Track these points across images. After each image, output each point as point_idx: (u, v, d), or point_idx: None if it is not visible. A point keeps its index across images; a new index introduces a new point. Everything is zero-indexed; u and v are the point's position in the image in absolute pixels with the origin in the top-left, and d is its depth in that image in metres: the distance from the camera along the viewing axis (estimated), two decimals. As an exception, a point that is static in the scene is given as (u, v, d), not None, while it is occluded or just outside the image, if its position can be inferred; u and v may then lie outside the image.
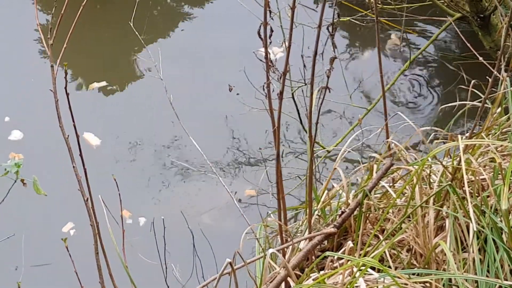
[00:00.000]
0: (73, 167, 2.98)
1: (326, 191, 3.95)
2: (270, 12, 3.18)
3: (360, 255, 3.36)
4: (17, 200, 3.34)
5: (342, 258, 3.43)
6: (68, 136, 2.96)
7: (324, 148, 5.08)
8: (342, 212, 3.59)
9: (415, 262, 3.44)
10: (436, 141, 3.83)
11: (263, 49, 3.18)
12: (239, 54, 5.86)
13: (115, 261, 3.25)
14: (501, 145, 3.57)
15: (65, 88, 2.82)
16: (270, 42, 3.26)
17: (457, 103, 3.92)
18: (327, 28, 2.92)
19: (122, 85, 5.93)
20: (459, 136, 3.29)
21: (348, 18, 5.91)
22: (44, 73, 5.58)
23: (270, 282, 3.30)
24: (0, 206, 3.25)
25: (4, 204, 3.31)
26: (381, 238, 3.45)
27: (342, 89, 5.56)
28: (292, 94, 5.08)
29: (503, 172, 3.24)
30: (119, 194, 3.23)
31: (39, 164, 4.86)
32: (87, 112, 5.54)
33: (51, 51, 2.94)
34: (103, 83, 5.90)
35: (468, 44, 3.94)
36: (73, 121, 2.88)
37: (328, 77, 3.05)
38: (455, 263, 3.17)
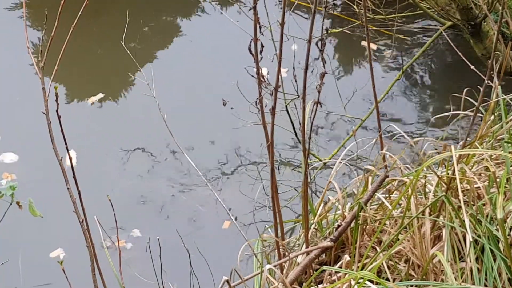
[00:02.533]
0: (68, 188, 2.98)
1: (322, 204, 3.95)
2: (261, 27, 3.18)
3: (358, 267, 3.36)
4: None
5: (340, 272, 3.43)
6: (61, 158, 2.96)
7: (320, 160, 5.07)
8: (339, 226, 3.59)
9: (413, 273, 3.43)
10: (430, 151, 3.83)
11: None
12: (233, 68, 5.86)
13: (112, 280, 3.24)
14: (495, 154, 3.57)
15: (57, 111, 2.82)
16: (261, 58, 3.26)
17: (451, 112, 3.92)
18: (316, 44, 2.93)
19: (115, 102, 5.93)
20: (452, 147, 3.29)
21: (340, 29, 5.93)
22: (36, 93, 5.60)
23: (269, 298, 3.29)
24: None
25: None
26: (379, 249, 3.44)
27: (336, 100, 5.57)
28: (286, 106, 5.08)
29: (498, 180, 3.24)
30: (114, 215, 3.22)
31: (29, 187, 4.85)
32: (80, 128, 5.54)
33: (42, 73, 2.94)
34: (100, 95, 5.90)
35: (459, 52, 3.94)
36: (66, 143, 2.88)
37: (319, 92, 3.05)
38: (453, 273, 3.17)
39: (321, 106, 3.07)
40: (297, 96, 4.85)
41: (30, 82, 5.99)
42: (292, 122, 5.13)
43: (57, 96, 2.81)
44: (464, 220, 3.15)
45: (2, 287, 4.58)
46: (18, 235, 4.76)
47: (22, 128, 5.61)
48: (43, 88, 2.95)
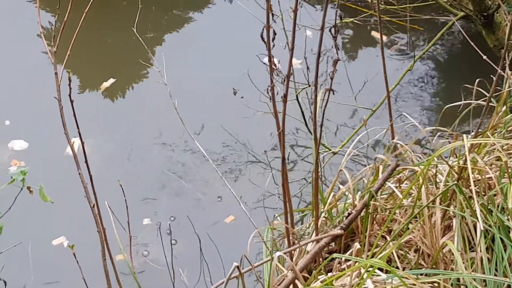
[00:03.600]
0: (79, 173, 2.98)
1: (332, 193, 3.95)
2: (273, 15, 3.18)
3: (367, 256, 3.36)
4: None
5: (350, 260, 3.43)
6: (73, 142, 2.97)
7: (329, 150, 5.07)
8: (349, 214, 3.59)
9: (422, 262, 3.43)
10: (441, 140, 3.83)
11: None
12: (243, 56, 5.86)
13: (122, 266, 3.26)
14: (507, 144, 3.56)
15: (69, 95, 2.82)
16: (273, 45, 3.26)
17: (462, 102, 3.91)
18: (330, 31, 2.92)
19: (127, 89, 5.93)
20: (465, 136, 3.28)
21: (351, 19, 5.92)
22: (45, 80, 5.61)
23: (278, 285, 3.29)
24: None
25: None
26: (388, 238, 3.44)
27: (347, 90, 5.57)
28: (297, 96, 5.08)
29: (509, 170, 3.24)
30: (125, 200, 3.23)
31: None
32: (90, 116, 5.55)
33: (54, 58, 2.94)
34: (111, 80, 5.90)
35: (472, 43, 3.93)
36: (78, 128, 2.89)
37: (331, 79, 3.04)
38: (463, 263, 3.16)
39: (333, 93, 3.06)
40: (308, 85, 4.85)
41: (40, 69, 6.00)
42: (302, 112, 5.13)
43: (70, 80, 2.81)
44: (475, 210, 3.15)
45: (9, 275, 4.59)
46: (23, 222, 4.77)
47: (31, 115, 5.62)
48: (56, 73, 2.95)
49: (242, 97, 5.35)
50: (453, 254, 3.26)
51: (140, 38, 4.64)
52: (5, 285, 2.93)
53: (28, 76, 5.96)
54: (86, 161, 2.93)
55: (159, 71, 4.31)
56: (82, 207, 4.50)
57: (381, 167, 3.75)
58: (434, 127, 3.95)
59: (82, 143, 2.93)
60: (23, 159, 5.27)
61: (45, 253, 4.57)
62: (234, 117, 5.55)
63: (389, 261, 3.41)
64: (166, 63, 4.69)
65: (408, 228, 3.44)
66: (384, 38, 6.06)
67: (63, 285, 4.42)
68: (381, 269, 3.19)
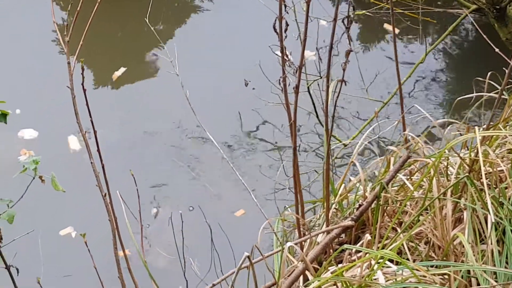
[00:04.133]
0: (91, 163, 3.00)
1: (343, 185, 3.95)
2: (285, 6, 3.18)
3: (378, 248, 3.36)
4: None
5: (360, 251, 3.43)
6: (85, 132, 2.98)
7: (340, 142, 5.08)
8: (360, 205, 3.59)
9: (433, 255, 3.43)
10: (453, 133, 3.82)
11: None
12: (255, 48, 5.86)
13: (133, 255, 3.28)
14: (519, 136, 3.56)
15: (82, 84, 2.83)
16: (286, 36, 3.26)
17: (474, 94, 3.90)
18: (343, 21, 2.92)
19: (138, 80, 5.94)
20: (476, 128, 3.28)
21: (363, 11, 5.91)
22: (56, 69, 5.62)
23: (288, 276, 3.30)
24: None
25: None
26: (399, 230, 3.44)
27: (358, 83, 5.56)
28: (308, 87, 5.08)
29: (521, 163, 3.23)
30: (137, 190, 3.24)
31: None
32: (100, 107, 5.56)
33: (68, 48, 2.96)
34: (122, 69, 5.91)
35: (484, 36, 3.92)
36: (90, 116, 2.90)
37: (344, 70, 3.04)
38: (474, 255, 3.16)
39: (345, 84, 3.06)
40: (319, 77, 4.85)
41: (51, 59, 6.02)
42: (313, 104, 5.13)
43: (83, 70, 2.83)
44: (486, 202, 3.14)
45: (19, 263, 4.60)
46: (31, 211, 4.78)
47: (42, 104, 5.63)
48: (68, 63, 2.96)
49: (253, 88, 5.37)
50: (463, 247, 3.26)
51: (152, 29, 4.65)
52: (18, 272, 2.94)
53: (39, 65, 5.98)
54: (98, 150, 2.95)
55: (171, 61, 4.32)
56: (89, 197, 4.54)
57: (392, 159, 3.75)
58: (445, 120, 3.94)
59: (95, 132, 2.94)
60: (32, 148, 5.28)
61: (53, 243, 4.58)
62: (245, 108, 5.56)
63: (400, 253, 3.40)
64: (176, 54, 4.70)
65: (419, 220, 3.44)
66: (396, 30, 6.05)
67: (75, 277, 4.44)
68: (391, 261, 3.19)
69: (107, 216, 2.95)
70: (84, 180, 4.31)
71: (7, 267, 2.91)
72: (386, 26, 6.25)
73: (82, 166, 4.78)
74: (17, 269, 2.91)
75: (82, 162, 4.97)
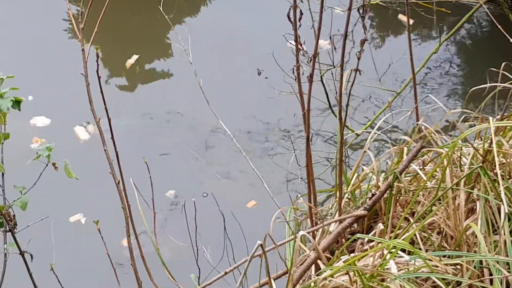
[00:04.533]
0: (105, 150, 3.00)
1: (356, 174, 3.95)
2: (300, -6, 3.18)
3: (390, 237, 3.36)
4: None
5: (372, 241, 3.43)
6: (99, 119, 2.98)
7: (353, 132, 5.07)
8: (373, 195, 3.59)
9: (445, 245, 3.43)
10: (467, 123, 3.82)
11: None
12: (268, 37, 5.86)
13: (147, 242, 3.28)
14: (533, 127, 3.55)
15: (97, 71, 2.84)
16: (300, 25, 3.26)
17: (488, 85, 3.89)
18: (358, 10, 2.92)
19: (151, 68, 5.94)
20: (490, 118, 3.27)
21: (377, 1, 5.90)
22: (69, 57, 5.63)
23: (300, 265, 3.30)
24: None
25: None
26: (411, 220, 3.44)
27: (371, 72, 5.55)
28: (321, 77, 5.08)
29: (535, 154, 3.23)
30: (150, 177, 3.25)
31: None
32: (114, 95, 5.57)
33: (82, 35, 2.96)
34: (135, 57, 5.91)
35: (499, 26, 3.90)
36: (105, 103, 2.91)
37: (358, 59, 3.04)
38: (486, 245, 3.16)
39: (360, 73, 3.06)
40: (333, 66, 4.84)
41: (64, 46, 6.02)
42: (326, 93, 5.12)
43: (98, 57, 2.83)
44: (500, 193, 3.14)
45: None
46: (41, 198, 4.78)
47: (53, 92, 5.64)
48: (83, 50, 2.97)
49: (266, 78, 5.36)
50: (476, 237, 3.27)
51: (166, 17, 4.65)
52: (32, 258, 2.96)
53: (51, 52, 5.98)
54: (112, 138, 2.95)
55: (184, 49, 4.32)
56: (100, 184, 4.54)
57: (405, 149, 3.75)
58: (459, 110, 3.94)
59: (109, 119, 2.95)
60: (44, 135, 5.29)
61: (63, 229, 4.59)
62: (258, 97, 5.55)
63: (412, 243, 3.41)
64: (190, 42, 4.70)
65: (432, 210, 3.43)
66: (411, 21, 6.03)
67: (85, 264, 4.45)
68: (403, 251, 3.19)
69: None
70: (94, 168, 4.33)
71: (21, 253, 2.92)
72: (400, 16, 6.23)
73: (89, 155, 4.79)
74: (31, 255, 2.93)
75: (91, 151, 4.98)
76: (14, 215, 2.92)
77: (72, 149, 5.01)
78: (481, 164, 3.34)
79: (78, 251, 4.48)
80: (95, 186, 4.69)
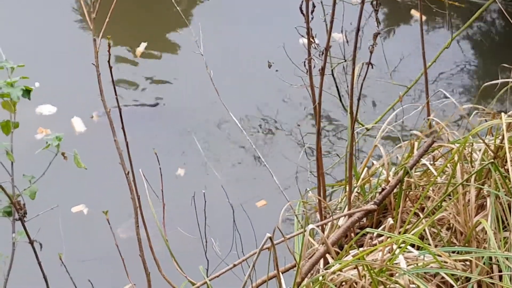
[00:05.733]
0: (115, 140, 3.00)
1: (365, 169, 3.94)
2: (312, -13, 3.17)
3: (399, 232, 3.35)
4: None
5: (381, 236, 3.42)
6: (109, 110, 2.98)
7: (363, 126, 5.06)
8: (383, 189, 3.58)
9: (455, 241, 3.42)
10: (478, 119, 3.80)
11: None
12: (278, 30, 5.85)
13: (156, 233, 3.28)
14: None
15: (108, 61, 2.83)
16: (312, 18, 3.25)
17: (500, 80, 3.87)
18: (371, 3, 2.90)
19: (161, 60, 5.94)
20: (502, 114, 3.25)
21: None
22: (78, 47, 5.63)
23: (309, 258, 3.30)
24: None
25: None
26: (421, 216, 3.43)
27: (382, 67, 5.53)
28: (332, 70, 5.06)
29: (547, 150, 3.21)
30: (160, 168, 3.25)
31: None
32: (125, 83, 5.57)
33: (93, 24, 2.95)
34: (143, 44, 5.91)
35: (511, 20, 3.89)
36: (116, 94, 2.90)
37: (371, 52, 3.03)
38: (496, 242, 3.15)
39: (372, 67, 3.05)
40: (344, 60, 4.83)
41: (74, 38, 6.03)
42: (337, 86, 5.11)
43: (109, 47, 2.82)
44: (510, 189, 3.13)
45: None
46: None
47: (61, 80, 5.64)
48: (94, 40, 2.96)
49: (276, 70, 5.35)
50: (486, 233, 3.25)
51: (178, 9, 4.64)
52: (41, 247, 2.96)
53: (60, 42, 5.99)
54: (123, 128, 2.95)
55: (195, 41, 4.31)
56: (105, 175, 4.55)
57: (416, 144, 3.74)
58: (471, 105, 3.92)
59: (120, 109, 2.95)
60: (50, 124, 5.29)
61: (65, 220, 4.60)
62: (268, 90, 5.54)
63: (422, 238, 3.39)
64: (201, 34, 4.69)
65: (441, 206, 3.42)
66: (423, 17, 6.01)
67: (89, 255, 4.46)
68: (412, 246, 3.18)
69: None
70: (94, 159, 4.34)
71: (31, 242, 2.92)
72: (413, 12, 6.22)
73: (86, 147, 4.79)
74: (41, 244, 2.93)
75: (89, 143, 4.99)
76: (24, 204, 2.92)
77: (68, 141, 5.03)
78: (492, 160, 3.32)
79: (81, 242, 4.49)
80: (99, 177, 4.71)
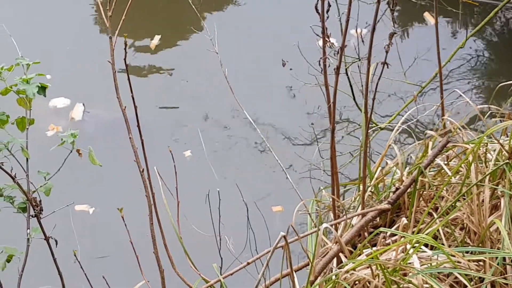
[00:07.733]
0: (129, 138, 3.01)
1: (379, 168, 3.94)
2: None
3: (413, 232, 3.35)
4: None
5: (394, 235, 3.42)
6: (125, 107, 2.99)
7: (376, 125, 5.05)
8: (397, 189, 3.58)
9: (468, 241, 3.42)
10: (493, 119, 3.79)
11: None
12: (293, 28, 5.85)
13: (169, 230, 3.28)
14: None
15: (125, 59, 2.84)
16: (327, 17, 3.25)
17: (515, 81, 3.87)
18: (387, 3, 2.90)
19: (176, 59, 5.95)
20: (518, 114, 3.25)
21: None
22: (93, 44, 5.64)
23: (322, 257, 3.30)
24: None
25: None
26: (435, 216, 3.43)
27: (396, 66, 5.52)
28: (346, 69, 5.06)
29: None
30: (174, 166, 3.25)
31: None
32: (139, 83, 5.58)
33: (109, 22, 2.96)
34: (157, 37, 5.92)
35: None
36: (131, 92, 2.91)
37: (386, 52, 3.03)
38: (510, 242, 3.15)
39: (387, 67, 3.04)
40: (358, 59, 4.83)
41: (89, 34, 6.04)
42: (351, 86, 5.11)
43: (126, 45, 2.83)
44: (525, 190, 3.12)
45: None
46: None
47: (75, 75, 5.65)
48: (110, 37, 2.97)
49: (290, 69, 5.36)
50: (500, 233, 3.25)
51: (194, 8, 4.65)
52: (56, 244, 2.97)
53: (73, 38, 6.01)
54: (138, 125, 2.96)
55: (211, 39, 4.31)
56: (111, 173, 4.54)
57: (430, 144, 3.73)
58: (486, 105, 3.91)
59: (135, 107, 2.96)
60: (63, 117, 5.30)
61: (69, 218, 4.61)
62: (282, 88, 5.54)
63: (435, 238, 3.39)
64: (216, 32, 4.70)
65: (455, 206, 3.42)
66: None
67: (101, 252, 4.46)
68: (426, 245, 3.18)
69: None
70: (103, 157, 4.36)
71: (46, 238, 2.93)
72: (426, 14, 6.21)
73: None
74: (56, 241, 2.94)
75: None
76: (40, 201, 2.93)
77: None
78: (507, 161, 3.32)
79: (92, 239, 4.50)
80: (105, 175, 4.72)
